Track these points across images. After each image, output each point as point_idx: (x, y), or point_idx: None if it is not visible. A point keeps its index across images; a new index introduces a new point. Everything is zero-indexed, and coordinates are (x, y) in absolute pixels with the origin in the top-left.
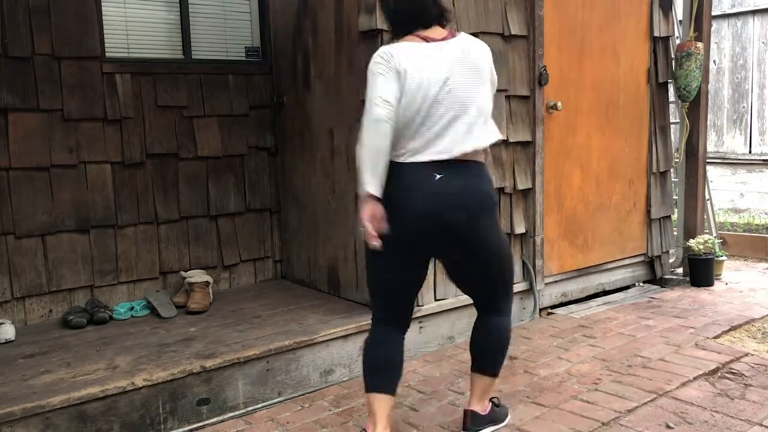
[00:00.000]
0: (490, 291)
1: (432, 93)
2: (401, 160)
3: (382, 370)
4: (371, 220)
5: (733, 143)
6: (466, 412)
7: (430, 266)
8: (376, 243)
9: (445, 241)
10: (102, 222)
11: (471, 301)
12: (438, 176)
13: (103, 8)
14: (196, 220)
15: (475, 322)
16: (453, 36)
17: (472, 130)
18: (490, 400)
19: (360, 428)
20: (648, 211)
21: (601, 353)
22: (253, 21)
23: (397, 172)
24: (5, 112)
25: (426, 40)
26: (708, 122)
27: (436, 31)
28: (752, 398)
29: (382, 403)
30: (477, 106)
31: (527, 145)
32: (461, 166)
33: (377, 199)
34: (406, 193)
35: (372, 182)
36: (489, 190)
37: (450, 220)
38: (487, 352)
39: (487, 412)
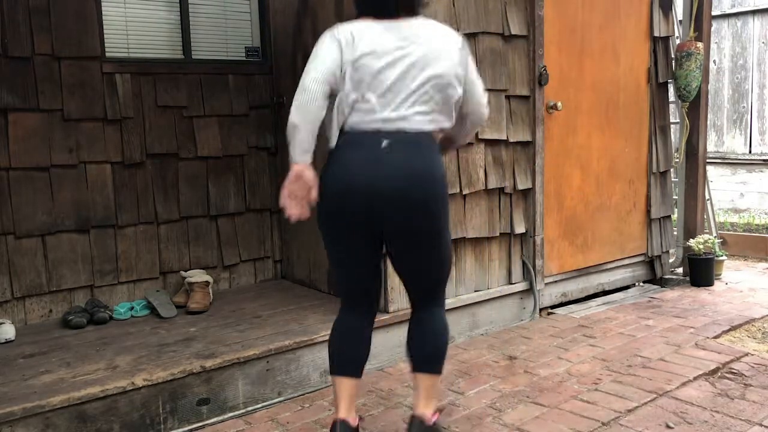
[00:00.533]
0: (426, 283)
1: (376, 64)
2: (347, 128)
3: (344, 353)
4: (296, 187)
5: (733, 143)
6: (412, 417)
7: None
8: (294, 213)
9: (383, 214)
10: (102, 222)
11: (471, 302)
12: (385, 142)
13: (103, 8)
14: (196, 220)
15: (411, 319)
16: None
17: (424, 109)
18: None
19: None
20: (648, 211)
21: (601, 353)
22: (253, 21)
23: (341, 140)
24: (5, 112)
25: (380, 18)
26: (708, 122)
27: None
28: (752, 398)
29: (344, 385)
30: (432, 83)
31: (527, 145)
32: (410, 139)
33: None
34: (347, 158)
35: (300, 153)
36: (437, 171)
37: (388, 191)
38: (429, 346)
39: (433, 422)
